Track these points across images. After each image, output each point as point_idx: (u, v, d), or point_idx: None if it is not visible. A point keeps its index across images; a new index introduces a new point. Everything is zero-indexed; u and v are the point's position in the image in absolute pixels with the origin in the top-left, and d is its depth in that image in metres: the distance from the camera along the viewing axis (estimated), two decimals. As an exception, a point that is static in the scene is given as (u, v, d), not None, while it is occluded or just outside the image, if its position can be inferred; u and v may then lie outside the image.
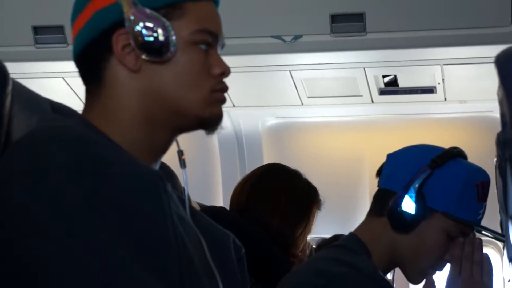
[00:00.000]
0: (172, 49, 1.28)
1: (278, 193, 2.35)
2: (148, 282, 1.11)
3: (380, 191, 1.89)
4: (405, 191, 1.79)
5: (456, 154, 1.85)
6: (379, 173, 1.92)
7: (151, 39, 1.27)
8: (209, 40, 1.32)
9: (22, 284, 1.12)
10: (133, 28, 1.26)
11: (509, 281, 1.43)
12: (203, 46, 1.32)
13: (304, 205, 2.36)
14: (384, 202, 1.84)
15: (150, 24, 1.26)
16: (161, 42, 1.27)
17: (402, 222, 1.81)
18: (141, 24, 1.26)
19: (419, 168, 1.81)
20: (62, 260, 1.10)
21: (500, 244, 3.23)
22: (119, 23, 1.28)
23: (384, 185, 1.88)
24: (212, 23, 1.33)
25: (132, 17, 1.26)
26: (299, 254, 2.37)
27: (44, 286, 1.10)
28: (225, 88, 1.34)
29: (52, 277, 1.09)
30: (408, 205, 1.79)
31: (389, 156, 1.91)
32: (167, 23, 1.28)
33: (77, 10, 1.33)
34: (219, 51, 1.35)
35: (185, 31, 1.30)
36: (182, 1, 1.30)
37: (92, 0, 1.30)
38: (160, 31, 1.27)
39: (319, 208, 2.41)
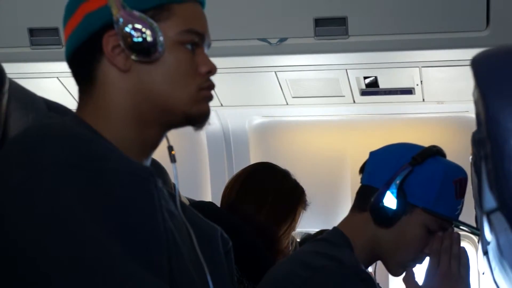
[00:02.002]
0: (160, 49, 1.28)
1: (266, 192, 2.35)
2: (138, 274, 1.11)
3: (363, 188, 1.89)
4: (387, 187, 1.80)
5: (435, 152, 1.85)
6: (362, 170, 1.92)
7: (140, 40, 1.26)
8: (196, 39, 1.32)
9: (17, 273, 1.11)
10: (122, 30, 1.26)
11: (483, 273, 1.43)
12: (189, 46, 1.31)
13: (290, 204, 2.36)
14: (366, 198, 1.84)
15: (138, 26, 1.26)
16: (149, 42, 1.27)
17: (384, 217, 1.81)
18: (130, 26, 1.26)
19: (400, 165, 1.81)
20: (55, 252, 1.09)
21: (476, 239, 3.25)
22: (109, 25, 1.28)
23: (367, 182, 1.88)
24: (198, 23, 1.33)
25: (121, 19, 1.26)
26: (283, 250, 2.38)
27: (37, 275, 1.09)
28: (212, 86, 1.34)
29: (44, 268, 1.09)
30: (390, 200, 1.79)
31: (372, 154, 1.91)
32: (155, 24, 1.27)
33: (69, 13, 1.33)
34: (206, 50, 1.35)
35: (172, 31, 1.29)
36: (168, 2, 1.30)
37: (82, 3, 1.30)
38: (148, 32, 1.27)
39: (304, 209, 2.41)
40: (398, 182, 1.79)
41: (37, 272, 1.09)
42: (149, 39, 1.27)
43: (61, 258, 1.09)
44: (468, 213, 1.86)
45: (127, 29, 1.26)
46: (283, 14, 2.83)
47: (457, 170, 1.85)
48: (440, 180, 1.82)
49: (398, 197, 1.79)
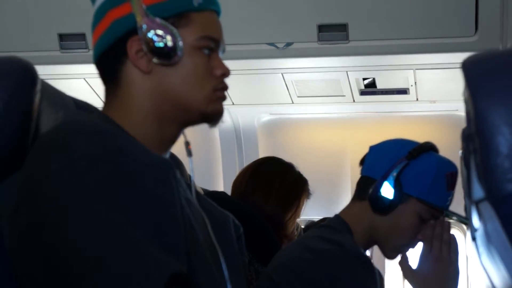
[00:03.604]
0: (179, 53, 1.28)
1: (272, 182, 2.35)
2: (159, 258, 1.11)
3: (363, 178, 1.89)
4: (385, 178, 1.80)
5: (429, 147, 1.86)
6: (362, 162, 1.92)
7: (161, 44, 1.27)
8: (212, 45, 1.32)
9: (48, 260, 1.12)
10: (145, 35, 1.27)
11: (471, 257, 1.43)
12: (206, 51, 1.32)
13: (294, 194, 2.36)
14: (366, 187, 1.84)
15: (160, 32, 1.27)
16: (170, 47, 1.27)
17: (381, 205, 1.81)
18: (152, 32, 1.27)
19: (397, 159, 1.81)
20: (82, 239, 1.10)
21: (464, 226, 3.24)
22: (133, 31, 1.28)
23: (366, 173, 1.88)
24: (214, 30, 1.33)
25: (144, 26, 1.27)
26: (289, 235, 2.38)
27: (65, 260, 1.10)
28: (225, 87, 1.34)
29: (73, 252, 1.09)
30: (387, 190, 1.80)
31: (371, 147, 1.91)
32: (175, 30, 1.28)
33: (97, 19, 1.33)
34: (220, 54, 1.36)
35: (191, 37, 1.30)
36: (187, 11, 1.30)
37: (110, 11, 1.30)
38: (168, 37, 1.27)
39: (308, 197, 2.41)
40: (395, 174, 1.80)
41: (64, 256, 1.10)
42: (169, 44, 1.27)
43: (85, 243, 1.09)
44: (457, 204, 1.86)
45: (150, 34, 1.26)
46: (289, 21, 2.82)
47: (449, 164, 1.85)
48: (433, 173, 1.82)
49: (394, 187, 1.79)
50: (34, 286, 1.16)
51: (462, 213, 1.75)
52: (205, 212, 1.36)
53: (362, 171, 1.90)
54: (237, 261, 1.40)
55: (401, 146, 1.85)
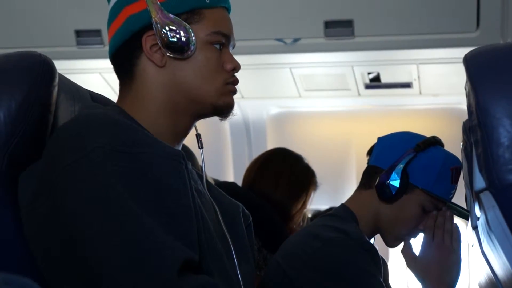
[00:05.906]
0: (192, 48, 1.28)
1: (281, 173, 2.34)
2: (172, 245, 1.11)
3: (370, 168, 1.88)
4: (393, 168, 1.80)
5: (436, 141, 1.85)
6: (370, 152, 1.92)
7: (175, 39, 1.27)
8: (223, 40, 1.32)
9: (65, 249, 1.13)
10: (159, 31, 1.27)
11: (472, 245, 1.43)
12: (217, 46, 1.32)
13: (302, 185, 2.36)
14: (373, 176, 1.84)
15: (174, 27, 1.27)
16: (183, 42, 1.27)
17: (388, 194, 1.81)
18: (166, 27, 1.27)
19: (405, 150, 1.81)
20: (96, 225, 1.10)
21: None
22: (148, 26, 1.28)
23: (374, 163, 1.88)
24: (225, 26, 1.33)
25: (159, 22, 1.27)
26: (296, 225, 2.37)
27: (81, 245, 1.10)
28: (236, 81, 1.34)
29: (88, 237, 1.10)
30: (394, 180, 1.80)
31: (380, 138, 1.91)
32: (188, 26, 1.28)
33: (113, 16, 1.33)
34: (230, 50, 1.35)
35: (203, 33, 1.30)
36: (200, 7, 1.30)
37: (125, 7, 1.30)
38: (182, 33, 1.27)
39: (315, 189, 2.40)
40: (402, 165, 1.79)
41: (80, 242, 1.10)
42: (183, 39, 1.27)
43: (101, 230, 1.10)
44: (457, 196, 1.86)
45: (164, 30, 1.27)
46: (297, 17, 2.82)
47: (454, 159, 1.85)
48: (440, 166, 1.82)
49: (401, 177, 1.79)
50: (54, 274, 1.16)
51: (464, 203, 1.75)
52: (216, 202, 1.36)
53: (370, 161, 1.90)
54: (247, 249, 1.40)
55: (409, 139, 1.85)
